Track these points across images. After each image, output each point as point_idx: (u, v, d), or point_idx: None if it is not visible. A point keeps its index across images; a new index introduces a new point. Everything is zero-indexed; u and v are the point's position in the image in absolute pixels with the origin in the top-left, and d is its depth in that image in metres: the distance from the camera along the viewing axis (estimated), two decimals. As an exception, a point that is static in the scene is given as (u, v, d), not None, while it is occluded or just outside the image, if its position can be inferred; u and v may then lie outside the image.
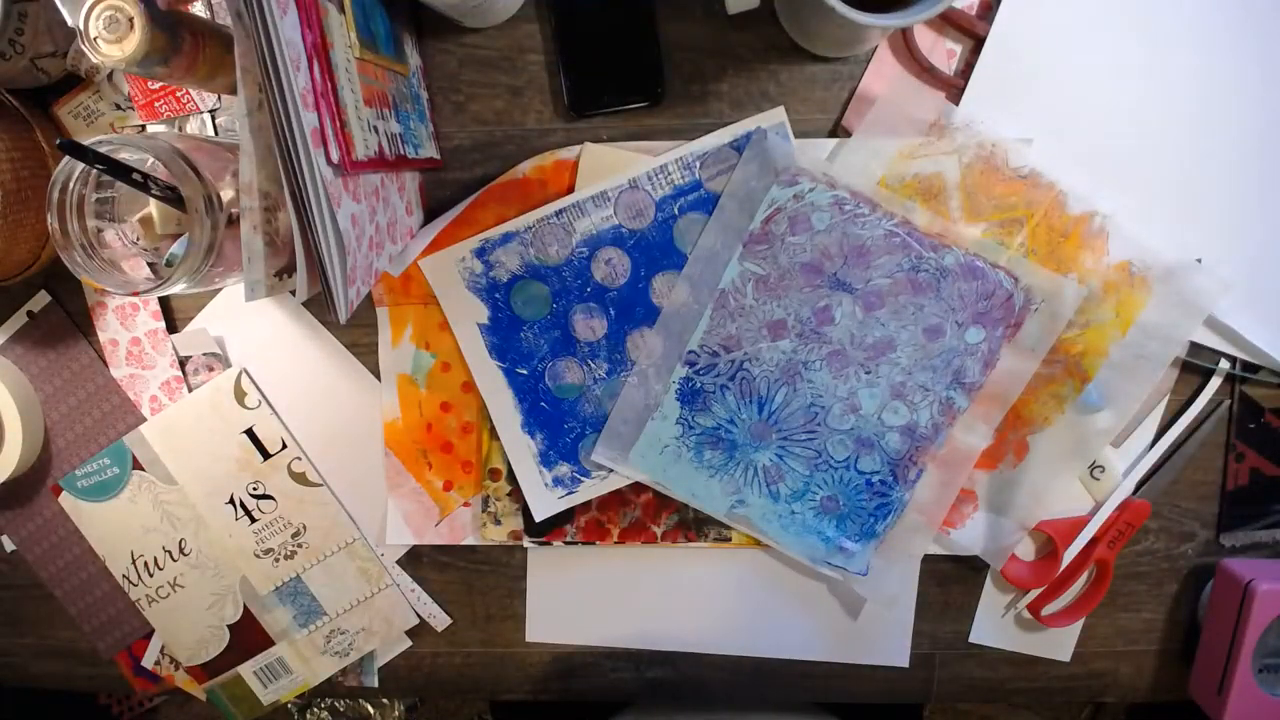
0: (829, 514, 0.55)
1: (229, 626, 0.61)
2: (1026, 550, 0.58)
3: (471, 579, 0.61)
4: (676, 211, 0.54)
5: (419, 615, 0.61)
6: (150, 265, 0.51)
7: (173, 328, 0.59)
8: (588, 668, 0.61)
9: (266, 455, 0.59)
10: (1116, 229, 0.52)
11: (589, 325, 0.56)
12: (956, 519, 0.56)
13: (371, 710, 1.11)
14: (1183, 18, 0.51)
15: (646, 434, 0.55)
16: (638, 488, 0.57)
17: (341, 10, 0.41)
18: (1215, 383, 0.55)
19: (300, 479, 0.59)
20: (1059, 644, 0.59)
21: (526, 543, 0.58)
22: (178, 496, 0.60)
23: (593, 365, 0.56)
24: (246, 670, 0.62)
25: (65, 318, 0.60)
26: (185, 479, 0.59)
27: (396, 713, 1.11)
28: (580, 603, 0.60)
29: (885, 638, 0.59)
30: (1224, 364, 0.55)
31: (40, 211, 0.53)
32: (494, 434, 0.57)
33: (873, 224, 0.52)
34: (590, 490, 0.57)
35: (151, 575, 0.61)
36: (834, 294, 0.53)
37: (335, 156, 0.39)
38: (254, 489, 0.59)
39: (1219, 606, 0.55)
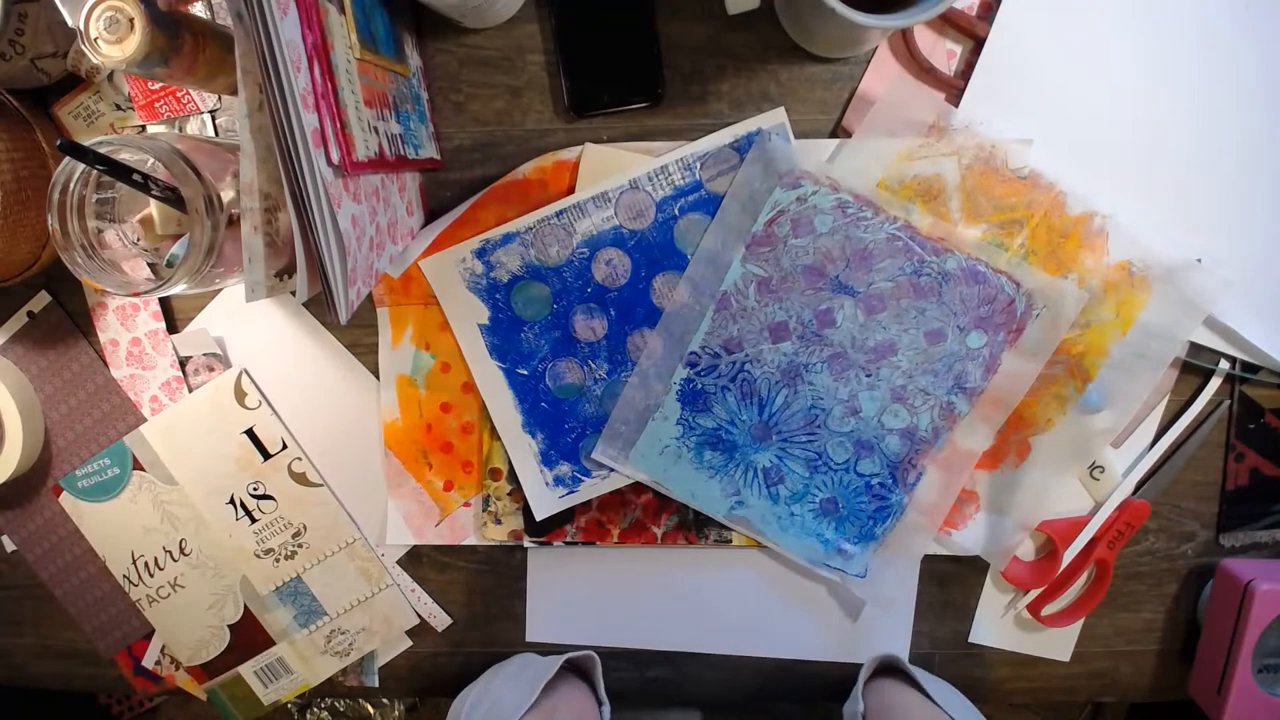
0: (828, 516, 0.55)
1: (229, 626, 0.61)
2: (1026, 550, 0.58)
3: (471, 579, 0.61)
4: (677, 212, 0.54)
5: (419, 615, 0.61)
6: (150, 266, 0.51)
7: (173, 328, 0.59)
8: (588, 668, 0.61)
9: (267, 455, 0.59)
10: (1116, 229, 0.52)
11: (589, 326, 0.56)
12: (958, 519, 0.56)
13: (371, 710, 1.11)
14: (1183, 16, 0.51)
15: (647, 434, 0.55)
16: (638, 488, 0.57)
17: (342, 11, 0.41)
18: (1215, 383, 0.55)
19: (300, 479, 0.59)
20: (1059, 644, 0.59)
21: (527, 542, 0.58)
22: (178, 496, 0.60)
23: (593, 366, 0.56)
24: (247, 670, 0.62)
25: (65, 318, 0.59)
26: (185, 479, 0.59)
27: (396, 713, 1.11)
28: (580, 603, 0.60)
29: (885, 638, 0.59)
30: (1224, 364, 0.55)
31: (40, 212, 0.53)
32: (494, 434, 0.57)
33: (875, 227, 0.52)
34: (591, 490, 0.57)
35: (152, 575, 0.61)
36: (836, 297, 0.53)
37: (335, 157, 0.39)
38: (254, 489, 0.59)
39: (1219, 606, 0.55)
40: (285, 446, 0.59)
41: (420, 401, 0.58)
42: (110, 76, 0.56)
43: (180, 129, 0.56)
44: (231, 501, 0.60)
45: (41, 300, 0.59)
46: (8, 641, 0.65)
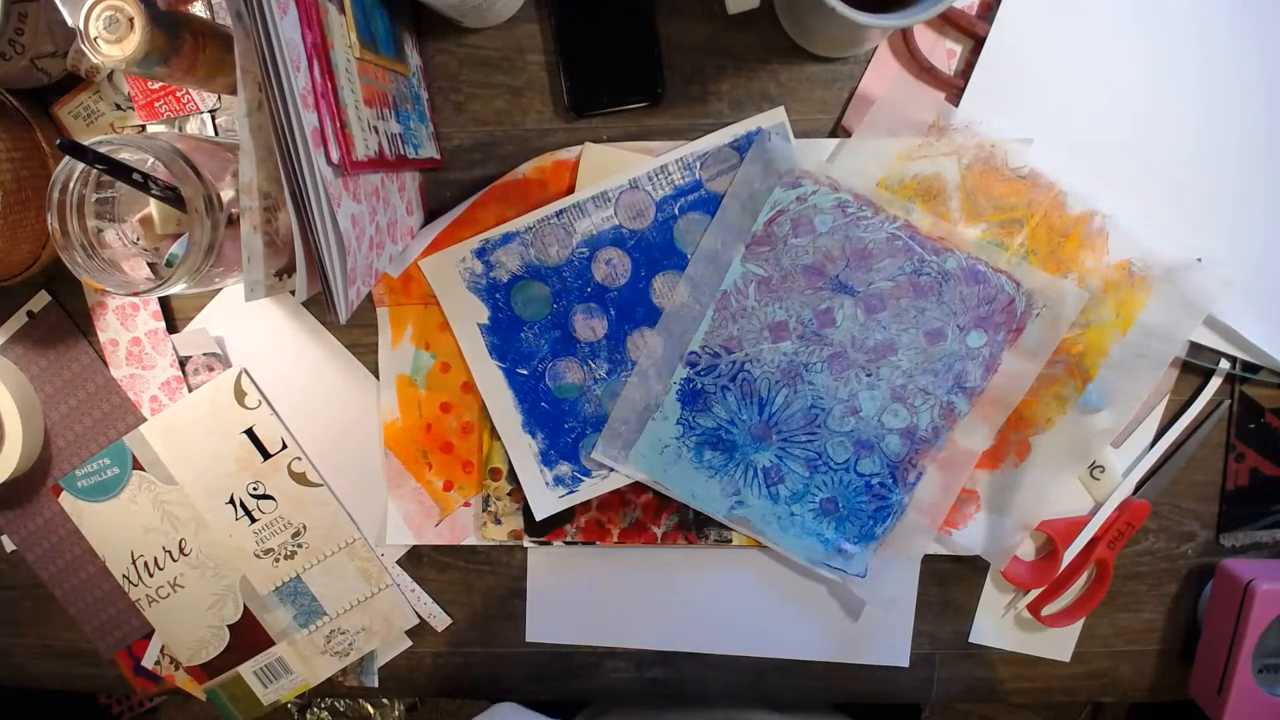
0: (828, 516, 0.55)
1: (229, 626, 0.61)
2: (1026, 550, 0.58)
3: (471, 579, 0.61)
4: (677, 212, 0.54)
5: (419, 615, 0.61)
6: (150, 265, 0.51)
7: (173, 328, 0.59)
8: (588, 668, 0.61)
9: (266, 455, 0.59)
10: (1116, 229, 0.52)
11: (589, 325, 0.56)
12: (959, 519, 0.56)
13: (371, 710, 1.11)
14: (1183, 16, 0.51)
15: (647, 434, 0.55)
16: (638, 488, 0.57)
17: (341, 10, 0.41)
18: (1215, 383, 0.55)
19: (300, 479, 0.59)
20: (1059, 644, 0.59)
21: (527, 542, 0.58)
22: (178, 496, 0.60)
23: (593, 365, 0.56)
24: (246, 670, 0.62)
25: (65, 318, 0.59)
26: (185, 479, 0.59)
27: (396, 713, 1.11)
28: (580, 603, 0.60)
29: (885, 637, 0.59)
30: (1224, 364, 0.55)
31: (40, 211, 0.53)
32: (494, 433, 0.57)
33: (875, 227, 0.52)
34: (591, 489, 0.57)
35: (151, 575, 0.61)
36: (836, 296, 0.53)
37: (335, 156, 0.39)
38: (254, 489, 0.59)
39: (1219, 606, 0.55)
40: (285, 446, 0.59)
41: (420, 401, 0.58)
42: (110, 76, 0.56)
43: (180, 129, 0.56)
44: (231, 501, 0.60)
45: (41, 300, 0.59)
46: (8, 641, 0.65)
